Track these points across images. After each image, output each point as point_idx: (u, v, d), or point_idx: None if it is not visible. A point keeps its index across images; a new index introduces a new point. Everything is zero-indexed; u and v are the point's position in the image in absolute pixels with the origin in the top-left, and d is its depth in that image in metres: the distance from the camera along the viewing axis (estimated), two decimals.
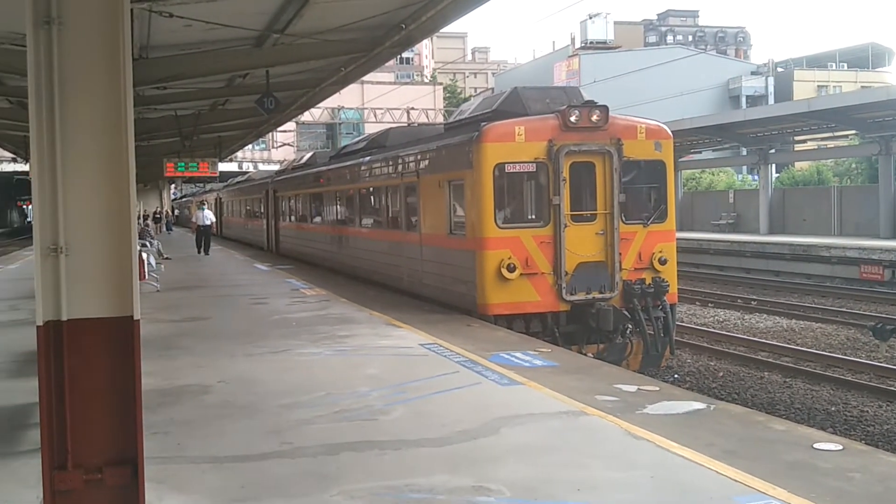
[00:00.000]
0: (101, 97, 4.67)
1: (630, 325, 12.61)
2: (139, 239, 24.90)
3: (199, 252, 29.93)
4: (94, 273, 4.59)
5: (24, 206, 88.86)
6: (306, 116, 50.22)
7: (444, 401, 7.92)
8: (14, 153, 39.95)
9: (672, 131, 13.53)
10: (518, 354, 9.94)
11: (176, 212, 69.22)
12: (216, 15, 11.81)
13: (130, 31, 4.93)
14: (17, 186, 64.97)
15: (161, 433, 6.90)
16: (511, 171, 12.48)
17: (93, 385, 4.61)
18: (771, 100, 68.67)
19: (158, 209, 53.90)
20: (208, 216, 31.14)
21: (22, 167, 49.41)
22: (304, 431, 6.96)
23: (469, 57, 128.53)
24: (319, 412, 7.55)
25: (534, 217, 12.77)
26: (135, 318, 4.62)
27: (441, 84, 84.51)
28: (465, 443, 6.55)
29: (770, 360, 15.15)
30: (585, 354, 11.68)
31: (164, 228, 50.77)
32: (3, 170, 56.95)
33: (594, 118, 12.44)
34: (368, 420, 7.29)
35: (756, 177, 41.53)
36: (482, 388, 8.39)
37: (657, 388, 8.41)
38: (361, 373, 9.21)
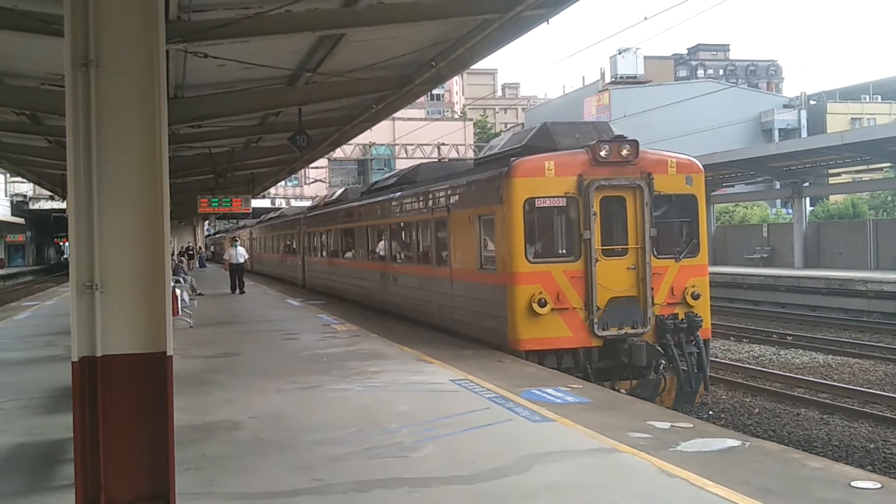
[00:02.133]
0: (138, 136, 4.77)
1: (663, 361, 12.47)
2: (173, 275, 25.18)
3: (232, 292, 28.84)
4: (129, 309, 4.67)
5: (61, 243, 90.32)
6: (338, 153, 50.71)
7: (475, 437, 7.87)
8: (52, 191, 40.80)
9: (704, 165, 13.48)
10: (549, 391, 9.87)
11: (212, 248, 69.86)
12: (250, 55, 12.02)
13: (166, 71, 5.04)
14: (54, 224, 66.12)
15: (193, 469, 6.93)
16: (541, 205, 12.48)
17: (126, 420, 4.66)
18: (804, 133, 68.19)
19: (191, 245, 54.42)
20: (242, 253, 30.08)
21: (59, 205, 50.35)
22: (335, 468, 6.95)
23: (499, 93, 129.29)
24: (350, 449, 7.54)
25: (564, 252, 12.72)
26: (168, 353, 4.68)
27: (471, 120, 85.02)
28: (496, 480, 6.50)
29: (807, 396, 14.90)
30: (618, 390, 11.55)
31: (197, 264, 51.21)
32: (42, 207, 58.15)
33: (624, 153, 12.43)
34: (399, 457, 7.26)
35: (790, 210, 41.16)
36: (513, 424, 8.34)
37: (691, 425, 8.31)
38: (392, 409, 9.19)
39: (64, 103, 4.79)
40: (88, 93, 4.72)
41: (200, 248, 58.19)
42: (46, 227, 74.47)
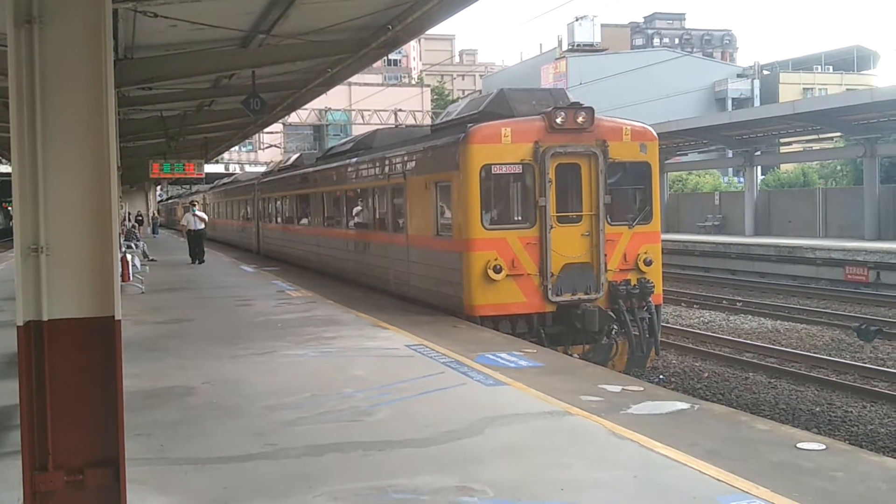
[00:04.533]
0: (83, 96, 4.64)
1: (615, 326, 12.61)
2: (126, 240, 24.74)
3: (193, 261, 26.37)
4: (75, 273, 4.57)
5: (10, 208, 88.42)
6: (293, 118, 50.09)
7: (429, 401, 7.91)
8: (1, 154, 39.74)
9: (658, 133, 13.58)
10: (504, 355, 9.94)
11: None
12: (201, 15, 11.78)
13: (113, 30, 4.92)
14: (3, 188, 64.59)
15: (144, 434, 6.88)
16: (497, 172, 12.48)
17: (74, 385, 4.58)
18: (756, 102, 68.99)
19: (140, 211, 53.46)
20: (201, 218, 27.51)
21: (8, 169, 49.14)
22: (289, 433, 6.94)
23: (457, 59, 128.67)
24: (304, 413, 7.53)
25: (520, 218, 12.77)
26: (116, 317, 4.60)
27: (429, 86, 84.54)
28: (450, 443, 6.55)
29: (755, 360, 15.21)
30: (571, 355, 11.69)
31: (150, 230, 50.47)
32: None
33: (580, 120, 12.46)
34: (353, 421, 7.28)
35: (742, 179, 41.70)
36: (467, 388, 8.39)
37: (641, 389, 8.44)
38: (347, 374, 9.20)
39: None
40: (32, 51, 4.57)
41: (154, 214, 57.31)
42: None
